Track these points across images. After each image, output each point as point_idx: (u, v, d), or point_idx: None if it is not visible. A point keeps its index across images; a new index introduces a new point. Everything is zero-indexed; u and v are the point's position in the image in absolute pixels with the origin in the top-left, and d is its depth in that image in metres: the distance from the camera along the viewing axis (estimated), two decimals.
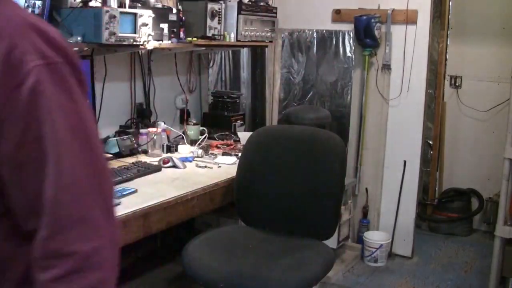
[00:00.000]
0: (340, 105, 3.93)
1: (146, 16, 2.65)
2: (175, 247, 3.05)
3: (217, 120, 3.67)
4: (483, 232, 4.47)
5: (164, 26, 2.87)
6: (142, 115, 3.26)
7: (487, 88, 4.39)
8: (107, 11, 2.42)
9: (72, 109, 0.88)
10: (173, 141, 3.21)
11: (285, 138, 2.55)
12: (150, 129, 3.01)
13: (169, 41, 2.91)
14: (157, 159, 2.81)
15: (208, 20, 3.15)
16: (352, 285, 3.44)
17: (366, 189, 3.97)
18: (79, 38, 2.43)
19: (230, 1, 3.32)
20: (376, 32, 3.65)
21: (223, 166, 2.82)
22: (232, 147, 3.25)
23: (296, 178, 2.44)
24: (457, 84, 4.54)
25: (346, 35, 3.84)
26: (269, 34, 3.56)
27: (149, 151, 2.96)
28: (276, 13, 3.63)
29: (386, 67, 3.77)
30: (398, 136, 3.81)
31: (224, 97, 3.74)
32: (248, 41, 3.40)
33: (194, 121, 3.37)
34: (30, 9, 2.31)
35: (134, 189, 2.29)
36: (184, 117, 3.49)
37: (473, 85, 4.47)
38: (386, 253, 3.78)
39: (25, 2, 2.28)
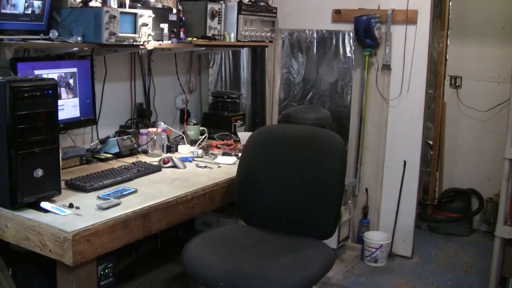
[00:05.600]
0: (340, 105, 3.93)
1: (146, 16, 2.65)
2: (175, 247, 3.05)
3: (217, 120, 3.67)
4: (483, 232, 4.47)
5: (164, 26, 2.87)
6: (142, 115, 3.26)
7: (487, 88, 4.40)
8: (107, 11, 2.42)
9: None
10: (173, 141, 3.21)
11: (285, 138, 2.55)
12: (150, 129, 3.01)
13: (169, 41, 2.91)
14: (157, 159, 2.81)
15: (208, 20, 3.15)
16: (352, 285, 3.45)
17: (366, 189, 3.97)
18: (79, 38, 2.43)
19: (230, 1, 3.32)
20: (376, 32, 3.65)
21: (223, 166, 2.82)
22: (232, 147, 3.25)
23: (296, 177, 2.44)
24: (457, 84, 4.55)
25: (346, 35, 3.84)
26: (269, 34, 3.56)
27: (149, 151, 2.96)
28: (276, 13, 3.63)
29: (386, 67, 3.77)
30: (398, 136, 3.81)
31: (224, 97, 3.74)
32: (248, 41, 3.40)
33: (194, 121, 3.37)
34: (30, 9, 2.31)
35: (134, 189, 2.29)
36: (184, 117, 3.49)
37: (473, 85, 4.48)
38: (386, 253, 3.78)
39: (25, 2, 2.29)
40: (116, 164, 2.70)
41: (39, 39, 2.35)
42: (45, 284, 2.22)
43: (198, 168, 2.78)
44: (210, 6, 3.14)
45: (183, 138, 3.26)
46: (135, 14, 2.60)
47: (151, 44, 2.76)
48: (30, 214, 1.96)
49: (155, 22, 2.76)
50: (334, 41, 3.90)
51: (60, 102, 2.52)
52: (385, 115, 3.84)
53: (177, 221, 2.30)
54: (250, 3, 3.49)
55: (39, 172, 1.99)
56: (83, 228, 1.85)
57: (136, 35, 2.61)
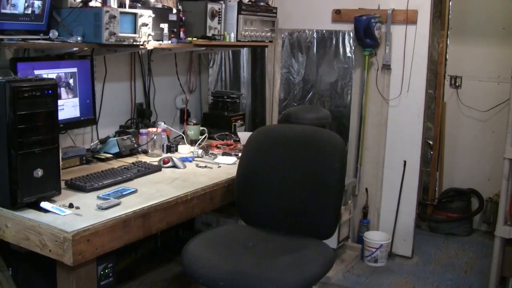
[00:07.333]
0: (340, 105, 3.93)
1: (146, 16, 2.65)
2: (175, 247, 3.06)
3: (217, 120, 3.67)
4: (483, 232, 4.47)
5: (164, 26, 2.87)
6: (142, 115, 3.26)
7: (487, 88, 4.40)
8: (107, 11, 2.42)
9: None
10: (173, 141, 3.21)
11: (285, 138, 2.55)
12: (150, 129, 3.01)
13: (169, 41, 2.91)
14: (157, 159, 2.81)
15: (208, 20, 3.15)
16: (352, 285, 3.44)
17: (366, 189, 3.97)
18: (79, 38, 2.43)
19: (230, 1, 3.32)
20: (376, 32, 3.65)
21: (223, 166, 2.82)
22: (232, 147, 3.25)
23: (296, 177, 2.44)
24: (457, 84, 4.55)
25: (346, 35, 3.84)
26: (269, 34, 3.56)
27: (149, 151, 2.96)
28: (276, 13, 3.63)
29: (386, 67, 3.77)
30: (398, 136, 3.81)
31: (224, 97, 3.74)
32: (248, 41, 3.40)
33: (194, 121, 3.37)
34: (30, 9, 2.31)
35: (134, 189, 2.29)
36: (184, 117, 3.49)
37: (473, 85, 4.48)
38: (386, 253, 3.78)
39: (25, 2, 2.29)
40: (116, 164, 2.70)
41: (39, 39, 2.35)
42: (45, 284, 2.22)
43: (198, 168, 2.78)
44: (210, 6, 3.14)
45: (183, 138, 3.26)
46: (135, 14, 2.60)
47: (151, 44, 2.76)
48: (30, 214, 1.96)
49: (155, 22, 2.76)
50: (334, 41, 3.90)
51: (60, 102, 2.52)
52: (385, 115, 3.84)
53: (177, 221, 2.31)
54: (250, 3, 3.49)
55: (39, 172, 1.99)
56: (83, 228, 1.85)
57: (136, 35, 2.61)
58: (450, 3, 4.41)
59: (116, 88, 3.13)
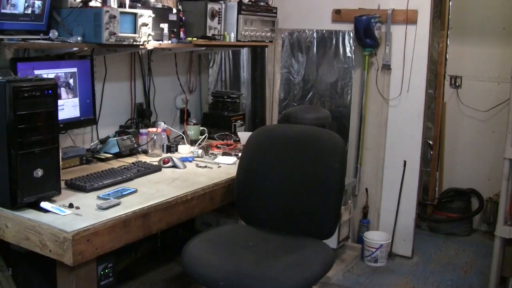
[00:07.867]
0: (340, 105, 3.93)
1: (146, 16, 2.65)
2: (175, 247, 3.06)
3: (217, 120, 3.67)
4: (483, 232, 4.47)
5: (164, 26, 2.87)
6: (142, 115, 3.26)
7: (487, 88, 4.40)
8: (107, 11, 2.42)
9: None
10: (173, 141, 3.21)
11: (285, 138, 2.55)
12: (150, 129, 3.01)
13: (169, 41, 2.91)
14: (157, 159, 2.81)
15: (208, 20, 3.15)
16: (352, 285, 3.44)
17: (366, 189, 3.97)
18: (79, 38, 2.44)
19: (230, 1, 3.32)
20: (376, 32, 3.65)
21: (223, 166, 2.82)
22: (232, 147, 3.25)
23: (296, 177, 2.44)
24: (457, 84, 4.55)
25: (346, 35, 3.84)
26: (269, 34, 3.56)
27: (149, 151, 2.96)
28: (276, 13, 3.63)
29: (386, 67, 3.77)
30: (398, 136, 3.81)
31: (224, 97, 3.74)
32: (248, 41, 3.40)
33: (194, 121, 3.37)
34: (30, 9, 2.31)
35: (134, 189, 2.29)
36: (184, 117, 3.49)
37: (473, 85, 4.48)
38: (386, 253, 3.78)
39: (25, 2, 2.29)
40: (116, 164, 2.70)
41: (39, 39, 2.35)
42: (45, 284, 2.22)
43: (198, 168, 2.78)
44: (210, 6, 3.15)
45: (183, 138, 3.26)
46: (135, 14, 2.60)
47: (151, 44, 2.76)
48: (30, 214, 1.96)
49: (155, 22, 2.76)
50: (334, 41, 3.90)
51: (60, 102, 2.52)
52: (385, 115, 3.84)
53: (177, 221, 2.31)
54: (250, 3, 3.49)
55: (39, 172, 1.99)
56: (83, 228, 1.85)
57: (136, 35, 2.61)
58: (450, 3, 4.41)
59: (116, 88, 3.13)
